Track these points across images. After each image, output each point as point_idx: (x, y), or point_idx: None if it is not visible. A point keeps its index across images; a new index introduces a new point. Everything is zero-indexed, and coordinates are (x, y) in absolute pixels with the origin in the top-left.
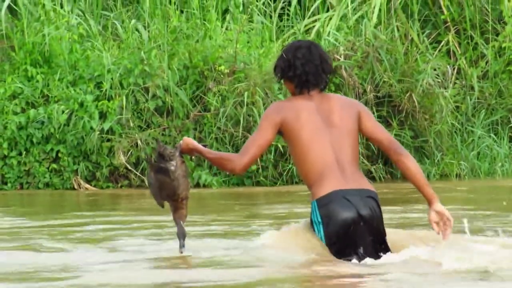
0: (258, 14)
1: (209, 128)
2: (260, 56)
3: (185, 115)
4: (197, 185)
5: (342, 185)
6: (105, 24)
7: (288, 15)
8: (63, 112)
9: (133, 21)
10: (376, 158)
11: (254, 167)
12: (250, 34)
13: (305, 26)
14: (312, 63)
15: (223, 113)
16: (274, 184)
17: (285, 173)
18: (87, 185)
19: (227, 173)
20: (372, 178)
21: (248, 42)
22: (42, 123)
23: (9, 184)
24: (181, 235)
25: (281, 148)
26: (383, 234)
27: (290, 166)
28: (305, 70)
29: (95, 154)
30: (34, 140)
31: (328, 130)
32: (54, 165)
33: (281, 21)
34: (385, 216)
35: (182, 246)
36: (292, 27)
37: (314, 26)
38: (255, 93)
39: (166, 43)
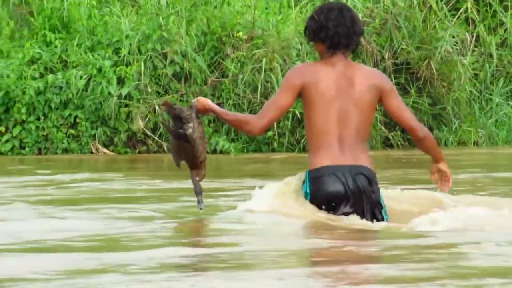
0: None
1: (227, 94)
2: (278, 22)
3: (203, 81)
4: (214, 151)
5: (337, 160)
6: None
7: None
8: (81, 77)
9: None
10: (394, 125)
11: (270, 133)
12: (268, 0)
13: None
14: (344, 24)
15: (241, 79)
16: (291, 151)
17: (302, 139)
18: (105, 150)
19: (244, 134)
20: (389, 145)
21: (266, 9)
22: (60, 88)
23: (27, 149)
24: (199, 192)
25: (298, 115)
26: (374, 209)
27: None
28: (337, 31)
29: (113, 120)
30: (52, 105)
31: (341, 103)
32: (72, 131)
33: None
34: (399, 177)
35: (200, 202)
36: None
37: None
38: (273, 60)
39: (184, 9)
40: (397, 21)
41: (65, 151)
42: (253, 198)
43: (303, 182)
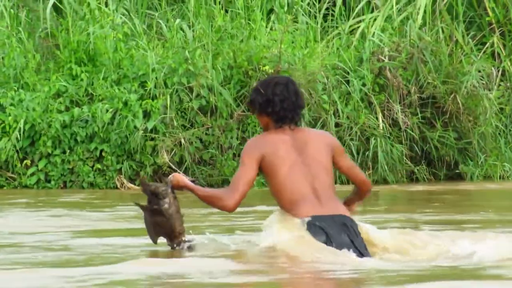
0: (303, 15)
1: (252, 128)
2: (305, 56)
3: (229, 115)
4: None
5: (318, 211)
6: (149, 23)
7: (332, 15)
8: (107, 111)
9: (178, 20)
10: (420, 159)
11: None
12: (294, 34)
13: (350, 26)
14: (289, 100)
15: None
16: None
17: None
18: (130, 185)
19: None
20: (415, 179)
21: (292, 42)
22: (86, 121)
23: (52, 182)
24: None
25: None
26: (358, 252)
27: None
28: (283, 106)
29: (138, 153)
30: (78, 138)
31: (303, 163)
32: (98, 164)
33: (325, 21)
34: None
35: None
36: (337, 27)
37: (358, 27)
38: None
39: (211, 43)
40: (423, 55)
41: (91, 185)
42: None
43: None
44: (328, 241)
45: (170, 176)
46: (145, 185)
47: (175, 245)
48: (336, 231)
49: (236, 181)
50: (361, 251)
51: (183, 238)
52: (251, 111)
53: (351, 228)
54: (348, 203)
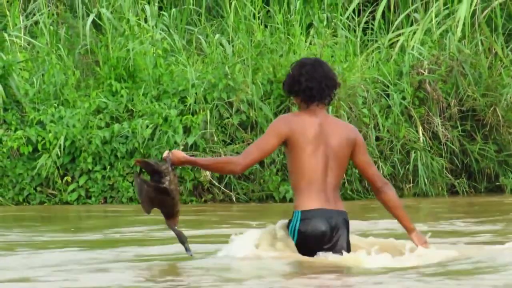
0: (342, 29)
1: None
2: (344, 70)
3: None
4: (284, 200)
5: (324, 204)
6: (189, 38)
7: (372, 29)
8: (147, 126)
9: (217, 35)
10: (460, 172)
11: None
12: (334, 48)
13: (389, 40)
14: (315, 79)
15: None
16: (361, 198)
17: (370, 186)
18: None
19: (226, 174)
20: (455, 192)
21: (332, 57)
22: (126, 137)
23: (93, 198)
24: (184, 241)
25: None
26: (343, 247)
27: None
28: (308, 85)
29: (179, 169)
30: (119, 154)
31: (326, 152)
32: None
33: (365, 35)
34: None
35: (188, 249)
36: (376, 41)
37: (398, 40)
38: (339, 107)
39: (250, 58)
40: (463, 68)
41: (131, 200)
42: (233, 244)
43: (291, 220)
44: (330, 232)
45: (167, 153)
46: (146, 163)
47: (172, 225)
48: (335, 222)
49: (251, 148)
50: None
51: (177, 219)
52: (286, 94)
53: (345, 223)
54: (414, 239)
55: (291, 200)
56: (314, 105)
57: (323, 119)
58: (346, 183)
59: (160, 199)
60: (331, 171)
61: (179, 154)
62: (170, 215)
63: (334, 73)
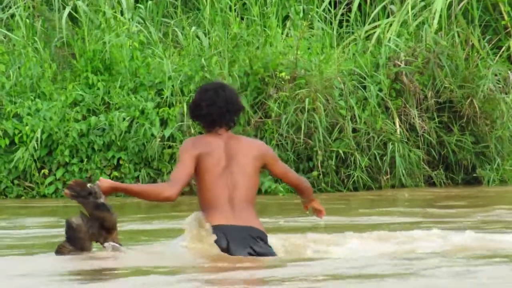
0: (319, 21)
1: (270, 134)
2: (321, 62)
3: (246, 122)
4: (259, 192)
5: (228, 221)
6: (165, 31)
7: (348, 21)
8: (124, 119)
9: (194, 28)
10: (437, 164)
11: (315, 173)
12: (310, 40)
13: (366, 32)
14: (217, 104)
15: (285, 119)
16: (336, 191)
17: (346, 179)
18: None
19: (159, 201)
20: (432, 184)
21: (308, 49)
22: (103, 130)
23: None
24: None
25: (342, 154)
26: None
27: (351, 172)
28: (209, 111)
29: (156, 161)
30: (95, 147)
31: (229, 170)
32: (116, 172)
33: (341, 27)
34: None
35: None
36: (353, 33)
37: (374, 32)
38: (316, 99)
39: (227, 50)
40: (440, 60)
41: None
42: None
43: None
44: (227, 250)
45: (95, 183)
46: (83, 185)
47: (109, 243)
48: (238, 242)
49: (177, 174)
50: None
51: (115, 238)
52: (190, 119)
53: (258, 239)
54: (304, 205)
55: (268, 192)
56: (214, 131)
57: (227, 139)
58: (322, 175)
59: (101, 217)
60: (237, 188)
61: (108, 182)
62: (109, 234)
63: (237, 97)
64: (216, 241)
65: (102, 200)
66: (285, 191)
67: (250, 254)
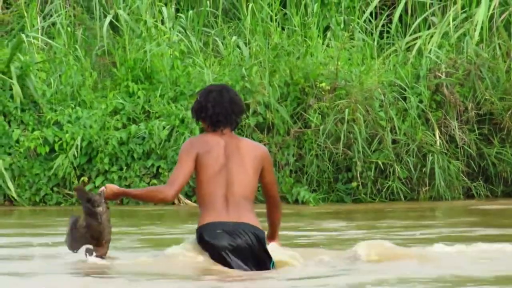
0: (359, 32)
1: (309, 144)
2: (361, 73)
3: (286, 132)
4: (296, 201)
5: (222, 218)
6: (206, 40)
7: (389, 32)
8: (164, 128)
9: (234, 37)
10: (477, 176)
11: (354, 184)
12: (351, 51)
13: (406, 43)
14: (222, 105)
15: (324, 130)
16: (373, 201)
17: (384, 189)
18: (187, 201)
19: (158, 203)
20: (471, 196)
21: (349, 59)
22: (143, 138)
23: None
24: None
25: (381, 165)
26: (261, 261)
27: (389, 183)
28: (215, 111)
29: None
30: (135, 155)
31: (227, 169)
32: (155, 181)
33: (382, 38)
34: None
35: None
36: (393, 44)
37: (415, 44)
38: (356, 110)
39: (267, 60)
40: (481, 72)
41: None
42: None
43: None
44: (227, 244)
45: (102, 188)
46: (82, 191)
47: (99, 254)
48: (221, 236)
49: (175, 174)
50: (260, 259)
51: (107, 250)
52: (194, 120)
53: (254, 235)
54: (270, 238)
55: (303, 202)
56: (219, 131)
57: (229, 138)
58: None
59: (88, 223)
60: (234, 186)
61: (113, 187)
62: (98, 244)
63: (240, 99)
64: (209, 241)
65: (100, 208)
66: (315, 202)
67: (231, 246)
